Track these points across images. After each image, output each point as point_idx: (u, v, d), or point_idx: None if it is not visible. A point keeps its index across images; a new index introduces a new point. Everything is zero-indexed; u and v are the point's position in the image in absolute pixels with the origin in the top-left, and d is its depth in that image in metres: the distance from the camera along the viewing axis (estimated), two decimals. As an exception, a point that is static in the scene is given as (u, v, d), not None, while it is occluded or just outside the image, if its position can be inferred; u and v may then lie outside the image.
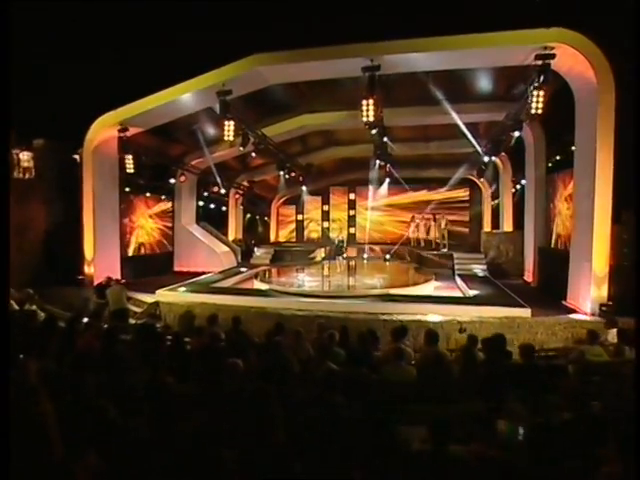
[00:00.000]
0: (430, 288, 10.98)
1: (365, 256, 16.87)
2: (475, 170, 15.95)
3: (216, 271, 12.77)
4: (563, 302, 8.43)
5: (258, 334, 7.97)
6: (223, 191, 15.23)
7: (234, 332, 5.46)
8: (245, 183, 17.56)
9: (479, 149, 12.54)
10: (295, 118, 12.60)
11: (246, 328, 6.76)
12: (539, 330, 7.27)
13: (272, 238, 21.26)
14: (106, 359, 3.34)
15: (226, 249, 14.86)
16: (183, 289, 9.92)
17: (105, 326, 5.48)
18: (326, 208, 21.53)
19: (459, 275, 12.38)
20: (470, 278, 11.64)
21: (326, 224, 21.43)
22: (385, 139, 10.79)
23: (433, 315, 7.77)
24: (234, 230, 17.91)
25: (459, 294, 10.43)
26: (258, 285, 11.00)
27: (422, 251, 15.76)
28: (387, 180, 17.00)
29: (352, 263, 13.59)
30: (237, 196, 17.45)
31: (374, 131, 9.76)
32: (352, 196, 21.15)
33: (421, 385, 3.52)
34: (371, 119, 8.78)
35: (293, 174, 15.22)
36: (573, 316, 7.47)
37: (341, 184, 21.07)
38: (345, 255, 12.72)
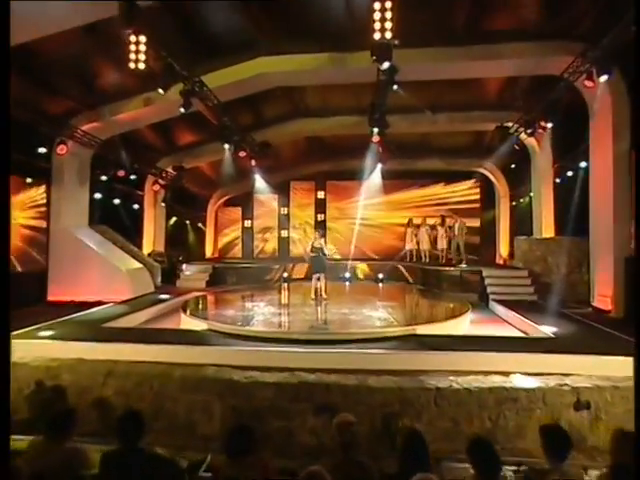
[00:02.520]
0: (465, 323, 8.35)
1: (347, 276, 14.04)
2: (493, 158, 14.30)
3: (120, 300, 9.64)
4: None
5: (188, 425, 4.89)
6: (133, 177, 11.86)
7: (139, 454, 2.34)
8: (170, 170, 14.30)
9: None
10: (248, 62, 9.85)
11: (169, 414, 3.75)
12: None
13: (208, 252, 18.64)
14: None
15: (138, 266, 11.59)
16: (47, 333, 6.54)
17: None
18: (285, 211, 18.82)
19: (496, 301, 9.93)
20: (518, 306, 9.17)
21: (285, 233, 18.76)
22: (395, 87, 8.14)
23: (521, 377, 5.04)
24: (152, 239, 14.69)
25: (516, 332, 7.89)
26: (188, 322, 7.83)
27: (427, 267, 13.29)
28: (379, 167, 14.41)
29: (331, 286, 10.62)
30: (157, 188, 14.05)
31: (386, 65, 7.08)
32: (321, 194, 18.62)
33: None
34: (387, 36, 6.34)
35: (243, 154, 12.22)
36: None
37: (306, 178, 18.57)
38: (325, 271, 9.75)
